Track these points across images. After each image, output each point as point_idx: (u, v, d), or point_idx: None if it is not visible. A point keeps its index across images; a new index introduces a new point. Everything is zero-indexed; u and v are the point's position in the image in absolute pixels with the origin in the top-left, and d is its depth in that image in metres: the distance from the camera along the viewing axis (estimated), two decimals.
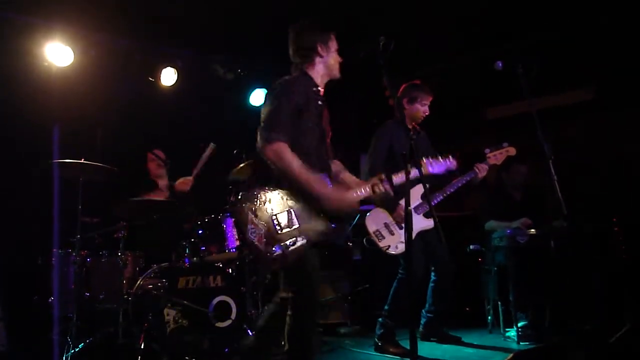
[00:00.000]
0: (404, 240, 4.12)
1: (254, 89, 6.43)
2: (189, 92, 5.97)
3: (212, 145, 5.06)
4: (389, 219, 4.27)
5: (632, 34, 5.30)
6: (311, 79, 3.00)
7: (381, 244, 4.23)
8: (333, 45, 3.05)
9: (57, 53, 5.11)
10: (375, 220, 4.29)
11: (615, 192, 5.60)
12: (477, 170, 4.32)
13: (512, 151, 4.42)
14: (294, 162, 2.71)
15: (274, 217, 2.85)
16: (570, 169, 5.35)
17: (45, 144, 4.98)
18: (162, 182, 5.30)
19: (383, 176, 3.12)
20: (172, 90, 5.81)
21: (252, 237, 2.84)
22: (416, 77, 4.67)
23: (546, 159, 3.57)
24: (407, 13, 5.32)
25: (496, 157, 4.40)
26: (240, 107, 6.48)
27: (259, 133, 2.77)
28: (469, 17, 5.49)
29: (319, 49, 2.98)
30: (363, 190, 3.04)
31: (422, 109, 4.46)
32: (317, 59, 3.00)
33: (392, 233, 4.25)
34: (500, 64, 3.77)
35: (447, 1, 5.23)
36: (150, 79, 5.71)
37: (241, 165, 4.68)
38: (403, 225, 4.19)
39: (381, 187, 3.10)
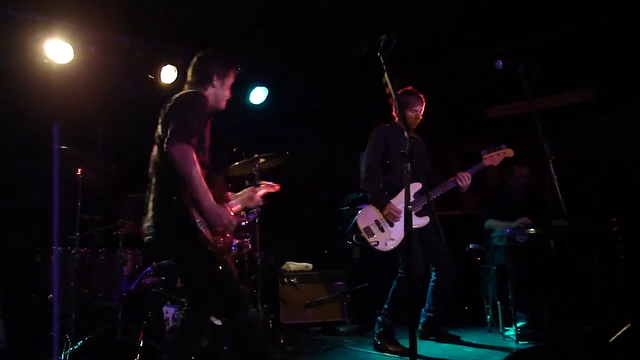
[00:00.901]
0: (394, 238, 4.21)
1: (254, 87, 6.44)
2: None
3: None
4: (379, 217, 4.28)
5: (632, 35, 5.31)
6: (207, 99, 3.13)
7: (370, 240, 4.25)
8: (229, 81, 3.27)
9: (57, 50, 5.09)
10: (366, 217, 4.32)
11: (615, 192, 5.60)
12: (457, 180, 4.30)
13: (510, 153, 4.42)
14: (196, 167, 2.82)
15: None
16: (570, 169, 5.36)
17: (45, 142, 4.97)
18: None
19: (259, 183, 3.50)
20: (172, 88, 5.79)
21: (201, 228, 2.88)
22: (417, 76, 4.68)
23: (546, 159, 3.58)
24: (408, 12, 5.32)
25: (492, 158, 4.40)
26: (240, 105, 6.48)
27: (168, 136, 2.84)
28: (470, 17, 5.49)
29: (215, 80, 3.19)
30: (240, 201, 3.36)
31: (413, 115, 4.44)
32: (210, 88, 3.18)
33: (382, 230, 4.27)
34: (501, 63, 3.78)
35: (448, 1, 5.23)
36: (150, 76, 5.70)
37: (237, 163, 4.70)
38: (394, 222, 4.24)
39: (255, 198, 3.44)
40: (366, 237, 4.27)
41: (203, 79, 3.17)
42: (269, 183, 3.75)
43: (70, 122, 5.11)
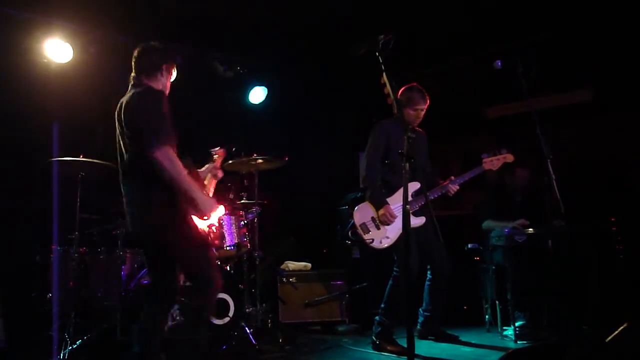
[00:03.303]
0: (389, 236, 4.22)
1: (253, 86, 6.44)
2: (188, 90, 5.96)
3: None
4: (376, 214, 4.29)
5: (631, 35, 5.31)
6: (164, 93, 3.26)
7: (366, 237, 4.25)
8: (173, 74, 3.42)
9: (57, 49, 5.10)
10: (363, 214, 4.31)
11: (613, 192, 5.61)
12: (448, 187, 4.37)
13: (510, 158, 4.45)
14: (181, 167, 2.99)
15: None
16: (569, 169, 5.36)
17: (44, 141, 4.98)
18: None
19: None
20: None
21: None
22: (417, 76, 4.67)
23: (545, 159, 3.58)
24: (408, 12, 5.32)
25: (493, 162, 4.43)
26: (240, 104, 6.49)
27: (145, 137, 2.96)
28: (470, 17, 5.50)
29: (164, 70, 3.30)
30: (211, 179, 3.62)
31: (414, 113, 4.42)
32: (160, 78, 3.30)
33: (378, 228, 4.27)
34: (499, 63, 3.79)
35: (447, 1, 5.23)
36: None
37: (230, 161, 4.72)
38: (389, 222, 4.23)
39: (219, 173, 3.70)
40: (362, 233, 4.27)
41: (154, 70, 3.24)
42: (216, 150, 3.87)
43: (70, 122, 5.12)
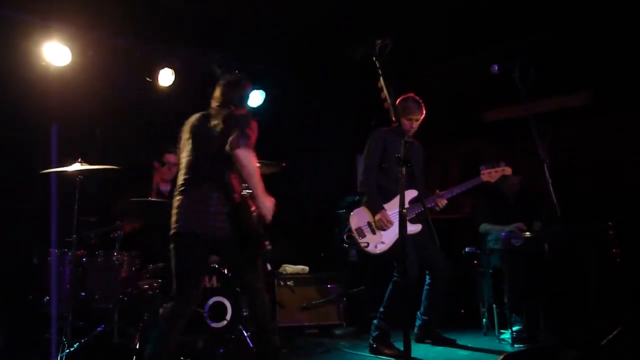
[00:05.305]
0: (384, 241, 4.23)
1: (250, 90, 6.41)
2: (186, 93, 5.97)
3: None
4: (372, 219, 4.29)
5: (629, 38, 5.32)
6: None
7: (361, 241, 4.25)
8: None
9: (55, 53, 5.10)
10: (359, 218, 4.32)
11: (612, 195, 5.61)
12: (436, 201, 4.37)
13: (508, 171, 4.45)
14: (257, 168, 3.38)
15: None
16: (567, 172, 5.37)
17: (43, 144, 4.98)
18: (166, 186, 5.30)
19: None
20: (169, 91, 5.81)
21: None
22: (416, 77, 4.67)
23: (541, 163, 3.59)
24: (407, 14, 5.33)
25: (490, 174, 4.43)
26: None
27: (233, 138, 3.28)
28: (467, 19, 5.51)
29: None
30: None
31: (408, 123, 4.43)
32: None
33: (373, 232, 4.28)
34: (496, 68, 3.80)
35: (446, 3, 5.24)
36: (148, 79, 5.71)
37: None
38: (385, 228, 4.24)
39: None
40: (357, 237, 4.27)
41: (244, 102, 3.77)
42: None
43: (69, 124, 5.13)
